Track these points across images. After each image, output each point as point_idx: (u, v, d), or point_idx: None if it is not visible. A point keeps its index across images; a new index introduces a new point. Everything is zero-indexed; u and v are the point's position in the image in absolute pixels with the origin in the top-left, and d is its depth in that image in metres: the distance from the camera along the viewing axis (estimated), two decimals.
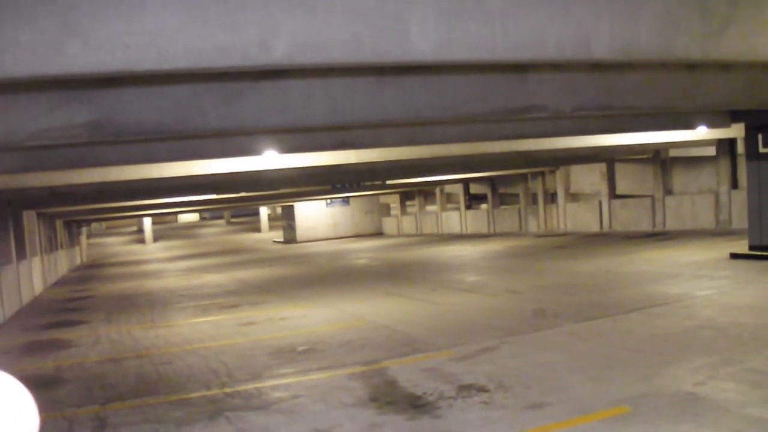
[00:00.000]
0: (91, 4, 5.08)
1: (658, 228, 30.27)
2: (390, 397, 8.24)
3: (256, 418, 7.95)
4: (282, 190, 35.95)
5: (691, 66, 10.47)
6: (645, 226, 31.21)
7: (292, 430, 7.44)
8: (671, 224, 29.87)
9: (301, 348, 11.70)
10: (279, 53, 5.42)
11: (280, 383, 9.44)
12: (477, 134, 14.66)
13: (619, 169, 33.94)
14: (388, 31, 5.61)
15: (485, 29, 5.80)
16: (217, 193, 32.24)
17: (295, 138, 13.29)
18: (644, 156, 31.22)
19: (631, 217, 32.48)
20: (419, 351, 10.69)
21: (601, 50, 6.19)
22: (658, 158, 30.59)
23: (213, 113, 9.15)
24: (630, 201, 33.08)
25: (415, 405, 7.78)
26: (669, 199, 30.31)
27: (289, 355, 11.29)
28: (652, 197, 31.11)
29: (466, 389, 8.19)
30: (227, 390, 9.28)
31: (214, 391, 9.26)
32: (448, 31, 5.72)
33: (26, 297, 24.28)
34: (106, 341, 14.34)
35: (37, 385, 10.76)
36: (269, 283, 24.24)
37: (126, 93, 8.75)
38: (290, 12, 5.35)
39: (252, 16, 5.30)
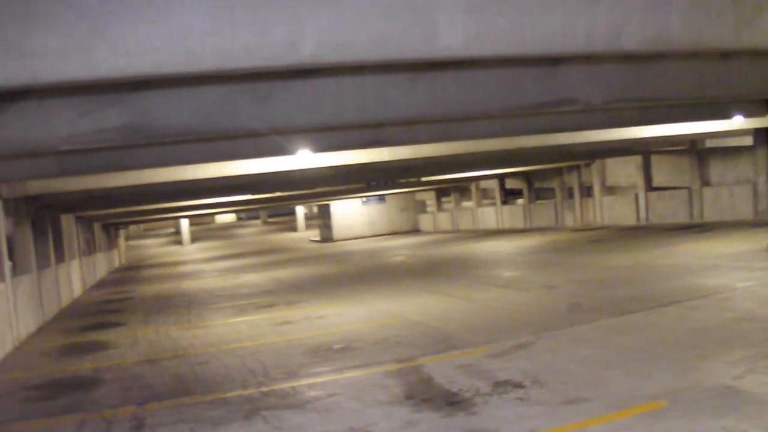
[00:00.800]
0: (119, 9, 5.11)
1: (696, 220, 30.00)
2: (425, 394, 8.22)
3: (291, 417, 7.96)
4: (317, 189, 35.99)
5: (724, 54, 10.33)
6: (682, 218, 30.93)
7: (327, 429, 7.43)
8: (709, 216, 29.58)
9: (336, 346, 11.71)
10: (306, 52, 5.42)
11: (315, 382, 9.45)
12: (510, 129, 14.59)
13: (655, 161, 33.63)
14: (415, 28, 5.59)
15: (513, 23, 5.76)
16: (253, 194, 32.32)
17: (328, 137, 13.28)
18: (680, 147, 30.94)
19: (668, 209, 32.21)
20: (455, 348, 10.66)
21: (632, 41, 6.13)
22: (695, 149, 30.28)
23: (245, 114, 9.16)
24: (667, 193, 32.78)
25: (451, 402, 7.75)
26: (706, 191, 30.01)
27: (325, 353, 11.30)
28: (689, 189, 30.81)
29: (501, 385, 8.16)
30: (263, 389, 9.30)
31: (251, 390, 9.28)
32: (476, 26, 5.69)
33: (65, 299, 24.48)
34: (144, 342, 14.42)
35: (76, 386, 10.87)
36: (306, 282, 24.29)
37: (157, 96, 8.78)
38: (317, 11, 5.35)
39: (279, 16, 5.30)
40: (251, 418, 8.02)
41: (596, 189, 37.54)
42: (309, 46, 5.38)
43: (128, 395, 9.88)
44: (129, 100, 8.66)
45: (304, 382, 9.49)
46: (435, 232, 55.65)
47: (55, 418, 9.16)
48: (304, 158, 17.05)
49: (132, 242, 77.72)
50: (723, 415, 6.34)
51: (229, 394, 9.24)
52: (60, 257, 24.60)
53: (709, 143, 30.01)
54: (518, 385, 8.08)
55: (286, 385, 9.38)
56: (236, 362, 11.27)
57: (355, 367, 10.08)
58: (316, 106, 9.40)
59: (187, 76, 5.80)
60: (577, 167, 38.11)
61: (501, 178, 45.84)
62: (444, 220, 57.38)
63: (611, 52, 6.44)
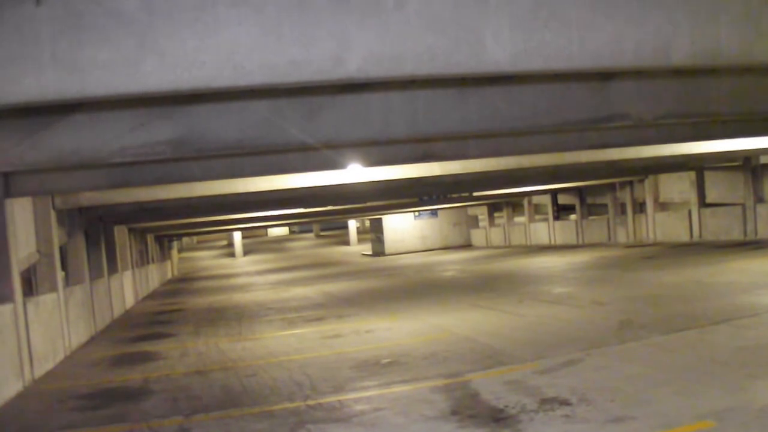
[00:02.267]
0: (168, 23, 5.16)
1: (750, 237, 29.59)
2: (472, 410, 8.18)
3: (337, 431, 7.96)
4: (369, 203, 36.06)
5: None
6: (736, 234, 30.52)
7: None
8: (763, 233, 29.12)
9: (384, 360, 11.70)
10: (353, 66, 5.43)
11: (362, 396, 9.45)
12: (561, 144, 14.51)
13: (709, 177, 33.21)
14: (462, 42, 5.58)
15: (561, 38, 5.73)
16: (304, 207, 32.44)
17: (378, 151, 13.29)
18: (734, 163, 30.53)
19: (721, 225, 31.80)
20: (503, 363, 10.61)
21: (681, 56, 6.07)
22: (749, 165, 29.86)
23: (294, 128, 9.20)
24: (720, 209, 32.37)
25: (497, 418, 7.71)
26: (760, 207, 29.57)
27: (372, 367, 11.30)
28: (743, 205, 30.38)
29: (548, 402, 8.10)
30: (310, 402, 9.30)
31: (297, 404, 9.30)
32: (524, 41, 5.67)
33: (117, 310, 24.72)
34: (194, 353, 14.52)
35: (125, 396, 10.97)
36: (356, 296, 24.31)
37: (206, 109, 8.87)
38: (363, 25, 5.36)
39: (325, 31, 5.33)
40: (297, 431, 8.03)
41: (649, 205, 37.17)
42: (355, 61, 5.40)
43: (176, 406, 9.94)
44: (179, 113, 8.75)
45: (351, 396, 9.50)
46: (487, 247, 55.48)
47: (102, 427, 9.26)
48: (355, 172, 17.06)
49: (185, 254, 78.48)
50: None
51: (275, 407, 9.26)
52: (113, 268, 24.88)
53: (764, 159, 29.58)
54: (565, 403, 8.01)
55: (332, 399, 9.38)
56: (284, 375, 11.30)
57: (402, 381, 10.06)
58: (365, 121, 9.42)
59: (235, 90, 5.84)
60: (630, 183, 37.78)
61: (553, 193, 45.61)
62: (496, 235, 57.18)
63: (660, 66, 6.38)
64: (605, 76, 9.53)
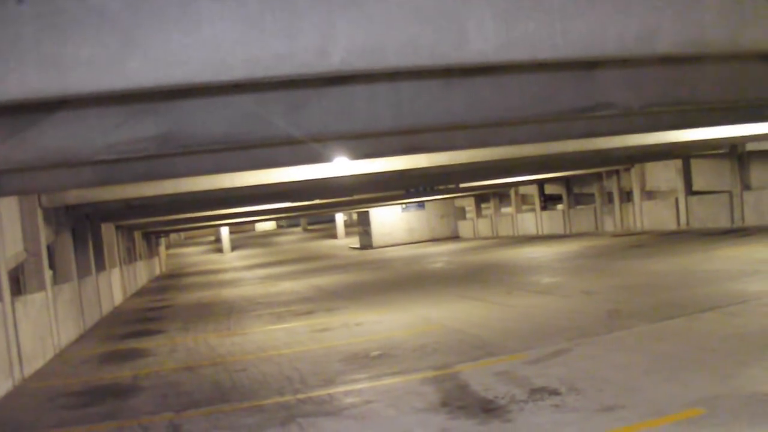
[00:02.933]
0: (151, 19, 5.13)
1: (737, 224, 29.66)
2: (461, 401, 8.20)
3: (327, 424, 7.97)
4: (356, 196, 36.05)
5: (763, 56, 10.20)
6: (723, 222, 30.60)
7: None
8: (750, 220, 29.23)
9: (374, 353, 11.71)
10: (337, 59, 5.41)
11: (352, 389, 9.46)
12: (548, 134, 14.50)
13: (695, 164, 33.28)
14: (445, 33, 5.56)
15: (545, 27, 5.72)
16: (291, 201, 32.39)
17: (364, 144, 13.26)
18: (720, 151, 30.59)
19: (708, 213, 31.91)
20: (492, 354, 10.62)
21: (665, 44, 6.07)
22: (735, 153, 29.92)
23: (280, 122, 9.17)
24: (707, 197, 32.45)
25: (486, 409, 7.72)
26: (747, 195, 29.66)
27: (362, 360, 11.31)
28: (730, 193, 30.46)
29: (537, 392, 8.12)
30: (300, 396, 9.31)
31: (287, 398, 9.31)
32: (507, 31, 5.65)
33: (106, 308, 24.67)
34: (183, 350, 14.51)
35: (115, 393, 10.96)
36: (344, 290, 24.33)
37: (191, 105, 8.82)
38: (346, 17, 5.34)
39: (308, 24, 5.30)
40: (287, 425, 8.03)
41: (636, 194, 37.27)
42: (339, 53, 5.38)
43: (166, 402, 9.94)
44: (164, 109, 8.71)
45: (341, 389, 9.50)
46: (474, 239, 55.56)
47: (92, 425, 9.24)
48: (342, 166, 17.04)
49: (172, 251, 78.31)
50: (761, 423, 6.27)
51: (265, 402, 9.26)
52: (100, 266, 24.82)
53: (750, 146, 29.63)
54: (554, 392, 8.03)
55: (322, 392, 9.38)
56: (273, 369, 11.30)
57: (393, 374, 10.07)
58: (350, 113, 9.38)
59: (220, 85, 5.81)
60: (617, 172, 37.87)
61: (540, 183, 45.68)
62: (483, 227, 57.25)
63: (645, 55, 6.38)
64: (590, 65, 9.51)
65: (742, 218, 29.65)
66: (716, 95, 10.85)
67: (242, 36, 5.25)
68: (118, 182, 14.28)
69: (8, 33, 5.00)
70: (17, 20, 4.99)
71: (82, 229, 22.05)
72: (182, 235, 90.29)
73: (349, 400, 8.90)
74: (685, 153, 31.01)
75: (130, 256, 37.06)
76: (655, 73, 9.97)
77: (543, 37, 5.73)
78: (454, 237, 61.67)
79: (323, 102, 9.20)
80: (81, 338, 18.39)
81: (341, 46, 5.36)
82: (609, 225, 39.85)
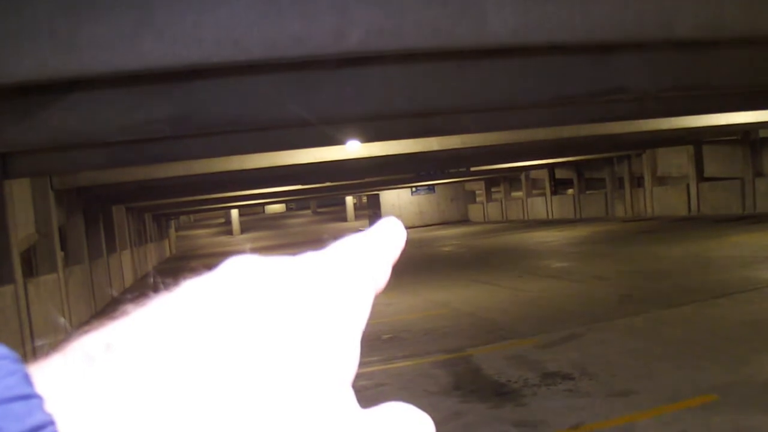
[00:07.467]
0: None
1: (748, 211, 29.57)
2: (474, 385, 8.18)
3: None
4: (367, 179, 36.01)
5: None
6: (734, 209, 30.51)
7: None
8: (762, 207, 29.11)
9: (385, 336, 11.69)
10: (354, 40, 5.38)
11: (364, 371, 9.41)
12: (561, 118, 14.46)
13: (707, 151, 33.15)
14: (463, 16, 5.52)
15: (563, 10, 5.68)
16: (302, 184, 32.38)
17: (377, 126, 13.23)
18: (733, 137, 30.48)
19: (719, 200, 31.80)
20: (504, 338, 10.60)
21: (684, 28, 6.02)
22: (747, 139, 29.82)
23: (293, 103, 9.13)
24: (719, 184, 32.34)
25: (499, 393, 7.71)
26: (759, 181, 29.56)
27: (373, 343, 11.28)
28: (742, 179, 30.38)
29: (550, 377, 8.09)
30: None
31: None
32: (525, 14, 5.62)
33: (117, 289, 24.68)
34: None
35: None
36: None
37: (205, 86, 8.79)
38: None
39: (326, 5, 5.27)
40: None
41: (647, 179, 37.14)
42: (356, 35, 5.35)
43: None
44: (178, 90, 8.68)
45: None
46: (484, 222, 55.50)
47: None
48: (354, 148, 17.01)
49: (182, 233, 78.40)
50: None
51: None
52: (111, 248, 24.86)
53: (763, 133, 29.50)
54: (567, 377, 8.01)
55: None
56: None
57: (404, 357, 10.05)
58: (364, 96, 9.35)
59: (235, 65, 5.79)
60: (628, 157, 37.73)
61: (551, 168, 45.55)
62: (494, 211, 57.17)
63: (663, 39, 6.36)
64: (607, 48, 9.44)
65: (754, 205, 29.53)
66: (731, 81, 10.79)
67: (259, 17, 5.21)
68: (131, 164, 14.30)
69: (23, 14, 4.98)
70: (32, 1, 4.97)
71: (93, 212, 22.06)
72: (192, 217, 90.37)
73: (360, 382, 8.86)
74: (697, 139, 30.89)
75: (141, 238, 37.11)
76: (671, 58, 9.91)
77: (562, 19, 5.70)
78: (464, 221, 61.61)
79: (337, 84, 9.17)
80: (92, 319, 18.39)
81: (359, 28, 5.33)
82: (619, 210, 39.74)
